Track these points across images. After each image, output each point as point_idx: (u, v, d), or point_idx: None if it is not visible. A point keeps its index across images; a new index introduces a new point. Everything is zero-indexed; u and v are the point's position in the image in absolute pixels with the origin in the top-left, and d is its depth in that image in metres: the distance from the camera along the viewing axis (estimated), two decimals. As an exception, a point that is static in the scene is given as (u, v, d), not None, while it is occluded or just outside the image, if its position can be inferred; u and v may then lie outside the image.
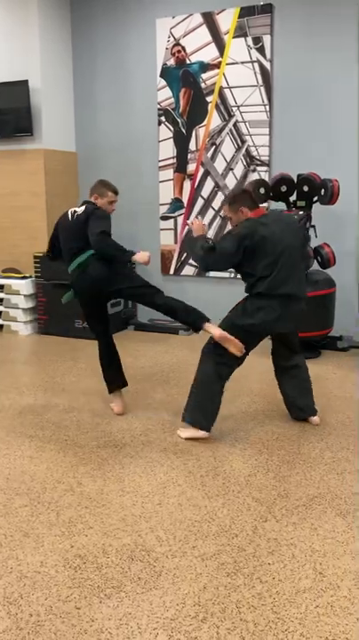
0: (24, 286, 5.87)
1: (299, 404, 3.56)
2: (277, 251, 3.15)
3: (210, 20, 5.48)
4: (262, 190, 4.87)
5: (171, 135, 5.84)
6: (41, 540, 2.40)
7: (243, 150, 5.56)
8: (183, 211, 5.90)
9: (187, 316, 3.46)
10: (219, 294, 5.81)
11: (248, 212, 3.29)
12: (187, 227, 5.15)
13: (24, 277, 5.96)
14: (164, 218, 6.00)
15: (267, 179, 5.34)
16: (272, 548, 2.34)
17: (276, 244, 3.16)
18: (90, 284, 3.54)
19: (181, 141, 5.82)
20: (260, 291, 3.18)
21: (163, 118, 5.85)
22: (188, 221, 3.49)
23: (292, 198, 4.90)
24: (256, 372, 4.35)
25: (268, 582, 2.13)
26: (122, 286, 3.51)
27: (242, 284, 3.34)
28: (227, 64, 5.48)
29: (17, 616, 1.97)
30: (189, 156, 5.81)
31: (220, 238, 3.39)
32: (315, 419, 3.57)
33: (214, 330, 3.25)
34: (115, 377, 3.78)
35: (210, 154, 5.71)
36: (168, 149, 5.88)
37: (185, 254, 5.94)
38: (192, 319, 3.43)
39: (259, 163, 5.49)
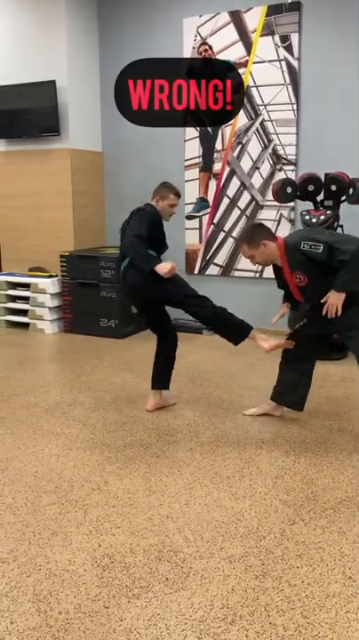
0: (50, 285, 5.91)
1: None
2: None
3: (237, 19, 5.45)
4: (289, 189, 4.83)
5: (197, 134, 5.83)
6: (69, 539, 2.41)
7: (270, 149, 5.52)
8: (208, 210, 5.89)
9: (230, 332, 3.45)
10: (244, 293, 5.80)
11: (272, 244, 3.14)
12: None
13: (50, 276, 6.00)
14: (190, 217, 5.99)
15: (293, 178, 5.29)
16: (300, 551, 2.32)
17: None
18: (127, 292, 3.60)
19: (207, 141, 5.80)
20: None
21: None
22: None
23: (320, 198, 4.85)
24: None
25: (297, 586, 2.12)
26: (158, 296, 3.43)
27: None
28: (253, 63, 5.45)
29: (46, 613, 1.98)
30: (215, 155, 5.79)
31: (333, 238, 3.07)
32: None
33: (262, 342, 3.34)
34: (155, 377, 3.79)
35: (236, 153, 5.68)
36: (194, 149, 5.87)
37: (210, 254, 5.94)
38: (236, 335, 3.44)
39: (285, 162, 5.45)
